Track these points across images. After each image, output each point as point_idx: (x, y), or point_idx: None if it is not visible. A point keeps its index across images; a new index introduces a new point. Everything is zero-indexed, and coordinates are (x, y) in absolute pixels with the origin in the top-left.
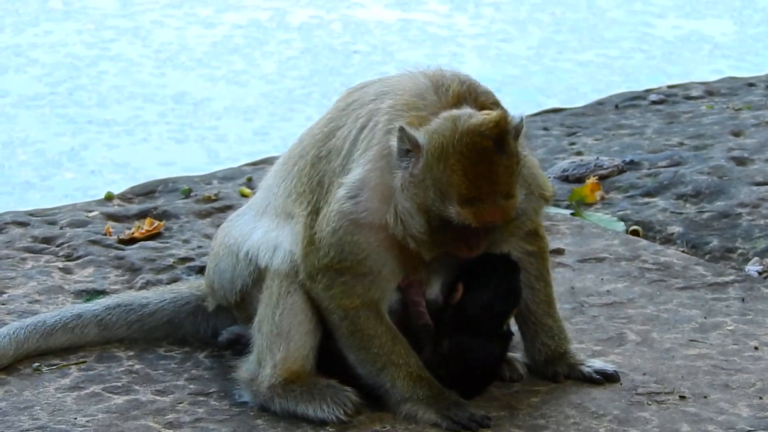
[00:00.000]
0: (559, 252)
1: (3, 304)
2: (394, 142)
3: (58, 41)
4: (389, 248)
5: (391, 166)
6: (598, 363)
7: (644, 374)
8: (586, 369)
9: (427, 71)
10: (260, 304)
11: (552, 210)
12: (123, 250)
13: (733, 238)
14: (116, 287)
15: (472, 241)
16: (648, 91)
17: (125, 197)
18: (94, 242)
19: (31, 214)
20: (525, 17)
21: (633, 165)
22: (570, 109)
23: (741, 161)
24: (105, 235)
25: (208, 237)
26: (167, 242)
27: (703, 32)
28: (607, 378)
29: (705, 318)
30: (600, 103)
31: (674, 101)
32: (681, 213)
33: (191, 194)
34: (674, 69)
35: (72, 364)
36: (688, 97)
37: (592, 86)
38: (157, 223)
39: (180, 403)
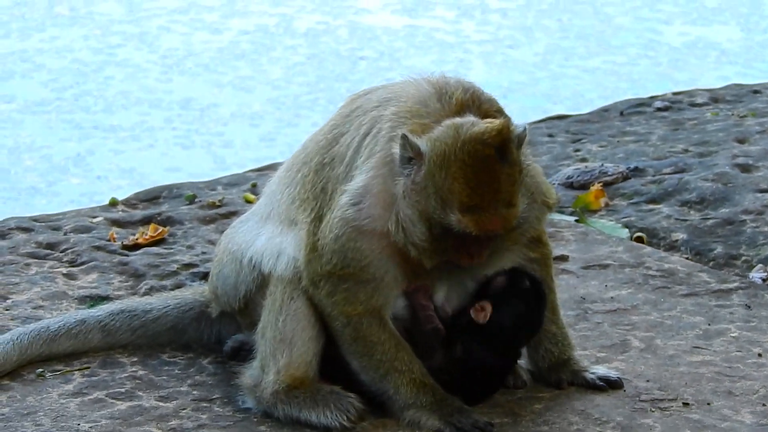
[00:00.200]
0: (563, 259)
1: (7, 310)
2: (396, 149)
3: (65, 47)
4: (392, 255)
5: (394, 173)
6: (601, 370)
7: (648, 381)
8: (589, 376)
9: (431, 78)
10: (263, 310)
11: (556, 217)
12: (127, 255)
13: (737, 245)
14: (120, 293)
15: (473, 250)
16: (653, 97)
17: (129, 203)
18: (98, 248)
19: (35, 219)
20: (532, 24)
21: (637, 172)
22: (575, 115)
23: (745, 168)
24: (109, 240)
25: (213, 243)
26: (171, 248)
27: (710, 39)
28: (611, 385)
29: (709, 325)
30: (605, 109)
31: (679, 108)
32: (685, 220)
33: (195, 200)
34: (681, 75)
35: (75, 370)
36: (693, 104)
37: (599, 93)
38: (161, 229)
39: (183, 409)
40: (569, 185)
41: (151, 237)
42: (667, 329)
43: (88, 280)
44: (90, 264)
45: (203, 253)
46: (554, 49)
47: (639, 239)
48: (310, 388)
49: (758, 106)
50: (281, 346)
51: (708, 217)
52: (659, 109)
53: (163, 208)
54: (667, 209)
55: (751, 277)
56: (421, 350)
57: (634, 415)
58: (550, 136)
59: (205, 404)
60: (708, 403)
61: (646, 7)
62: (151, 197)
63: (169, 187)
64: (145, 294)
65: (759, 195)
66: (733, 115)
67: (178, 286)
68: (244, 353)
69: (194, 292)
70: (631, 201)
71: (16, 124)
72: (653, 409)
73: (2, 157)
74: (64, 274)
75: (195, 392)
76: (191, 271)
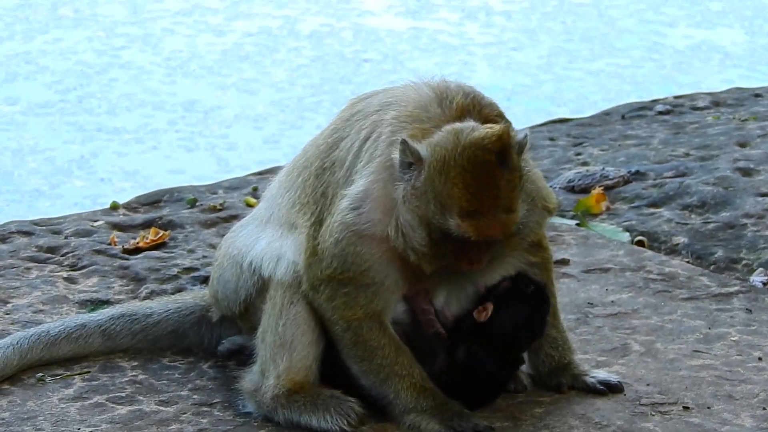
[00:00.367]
0: (564, 262)
1: (7, 314)
2: (396, 154)
3: (68, 48)
4: (392, 260)
5: (394, 178)
6: (602, 373)
7: (648, 385)
8: (590, 380)
9: (432, 82)
10: (263, 314)
11: (557, 220)
12: (128, 259)
13: (738, 249)
14: (120, 297)
15: (473, 255)
16: (654, 101)
17: (130, 207)
18: (98, 252)
19: (36, 223)
20: (536, 26)
21: (639, 175)
22: (576, 119)
23: (747, 172)
24: (110, 244)
25: (213, 247)
26: (172, 252)
27: (714, 42)
28: (611, 389)
29: (709, 329)
30: (606, 113)
31: (680, 112)
32: (686, 224)
33: (197, 204)
34: (685, 78)
35: (76, 374)
36: (695, 108)
37: (603, 95)
38: (162, 232)
39: (184, 413)
40: (570, 189)
41: (152, 241)
42: (668, 333)
43: (88, 284)
44: (90, 268)
45: (204, 256)
46: (558, 52)
47: (640, 243)
48: (311, 393)
49: (760, 109)
50: (281, 350)
51: (709, 220)
52: (660, 113)
53: (164, 211)
54: (668, 213)
55: (751, 281)
56: (422, 354)
57: (635, 419)
58: (552, 139)
59: (205, 408)
60: (708, 407)
61: (651, 9)
62: (153, 201)
63: (170, 191)
64: (145, 298)
65: (760, 199)
66: (734, 118)
67: (179, 290)
68: (243, 357)
69: (195, 296)
70: (632, 205)
71: (20, 126)
72: (653, 413)
73: (6, 159)
74: (64, 278)
75: (195, 396)
76: (192, 275)
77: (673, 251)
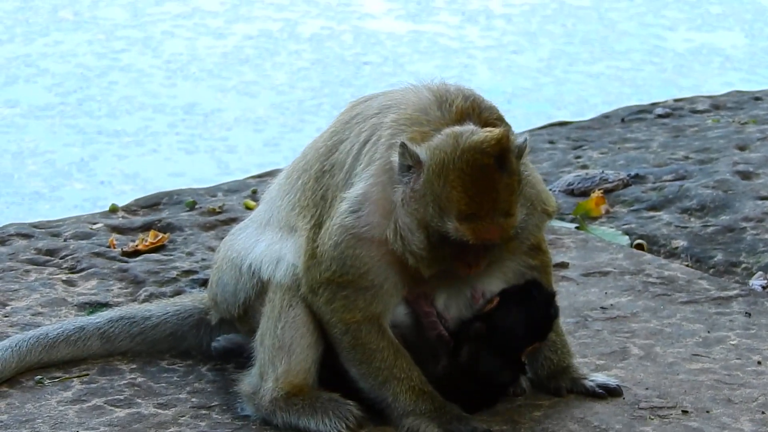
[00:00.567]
0: (563, 266)
1: (6, 317)
2: (396, 157)
3: (69, 51)
4: (391, 263)
5: (393, 181)
6: (600, 377)
7: (647, 389)
8: (588, 383)
9: (431, 85)
10: (262, 317)
11: (557, 223)
12: (127, 262)
13: (737, 253)
14: (119, 300)
15: (471, 259)
16: (654, 104)
17: (130, 209)
18: (97, 254)
19: (35, 226)
20: (536, 29)
21: (638, 179)
22: (576, 122)
23: (746, 175)
24: (109, 247)
25: (213, 250)
26: (171, 255)
27: (714, 45)
28: (610, 392)
29: (708, 332)
30: (606, 116)
31: (680, 115)
32: (686, 227)
33: (196, 207)
34: (685, 81)
35: (74, 377)
36: (694, 111)
37: (603, 98)
38: (161, 235)
39: (182, 416)
40: (570, 192)
41: (151, 243)
42: (667, 337)
43: (87, 287)
44: (89, 270)
45: (203, 259)
46: (558, 55)
47: (639, 246)
48: (309, 396)
49: (759, 113)
50: (280, 353)
51: (708, 224)
52: (660, 116)
53: (163, 214)
54: (668, 216)
55: (751, 284)
56: (422, 357)
57: (633, 423)
58: (551, 142)
59: (204, 411)
60: (707, 411)
61: (651, 12)
62: (152, 204)
63: (169, 194)
64: (144, 301)
65: (759, 202)
66: (733, 122)
67: (178, 293)
68: (235, 354)
69: (194, 299)
70: (632, 208)
71: (20, 129)
72: (652, 417)
73: (6, 161)
74: (63, 281)
75: (194, 399)
76: (191, 277)
77: (673, 255)
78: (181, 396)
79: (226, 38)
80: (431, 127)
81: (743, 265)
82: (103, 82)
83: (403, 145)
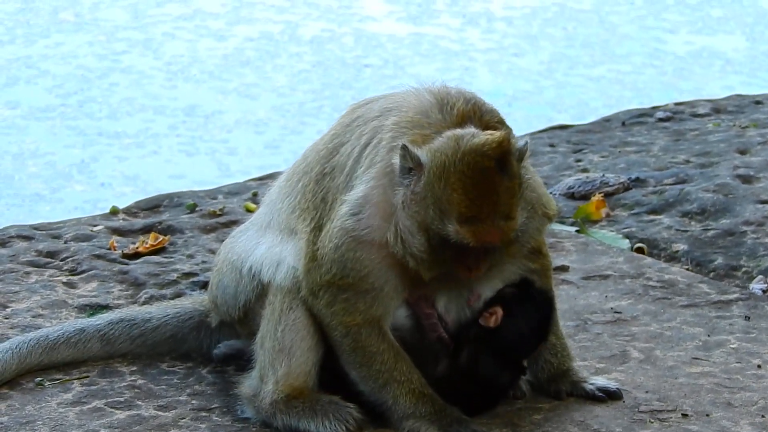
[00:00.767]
0: (563, 269)
1: (6, 318)
2: (397, 159)
3: (69, 53)
4: (392, 265)
5: (394, 183)
6: (600, 380)
7: (647, 392)
8: (588, 386)
9: (432, 88)
10: (263, 319)
11: (557, 227)
12: (127, 264)
13: (737, 256)
14: (120, 302)
15: (472, 261)
16: (655, 108)
17: (130, 212)
18: (98, 256)
19: (35, 227)
20: (537, 32)
21: (639, 182)
22: (576, 125)
23: (747, 179)
24: (109, 249)
25: (213, 252)
26: (171, 257)
27: (715, 48)
28: (610, 395)
29: (708, 336)
30: (606, 120)
31: (681, 119)
32: (686, 231)
33: (196, 209)
34: (686, 85)
35: (74, 379)
36: (695, 115)
37: (604, 101)
38: (161, 237)
39: (182, 418)
40: (570, 195)
41: (152, 246)
42: (667, 340)
43: (87, 289)
44: (90, 273)
45: (203, 262)
46: (559, 58)
47: (639, 250)
48: (309, 398)
49: (760, 117)
50: (280, 355)
51: (709, 228)
52: (661, 120)
53: (164, 216)
54: (668, 220)
55: (751, 288)
56: (423, 360)
57: (633, 426)
58: (552, 146)
59: (204, 414)
60: (707, 415)
61: (652, 16)
62: (152, 206)
63: (169, 196)
64: (144, 303)
65: (760, 206)
66: (734, 126)
67: (178, 296)
68: (236, 359)
69: (194, 301)
70: (632, 212)
71: (21, 131)
72: (652, 420)
73: (6, 163)
74: (63, 283)
75: (194, 402)
76: (191, 280)
77: (673, 258)
78: (181, 398)
79: (227, 40)
80: (432, 130)
81: (743, 269)
82: (103, 83)
83: (404, 148)
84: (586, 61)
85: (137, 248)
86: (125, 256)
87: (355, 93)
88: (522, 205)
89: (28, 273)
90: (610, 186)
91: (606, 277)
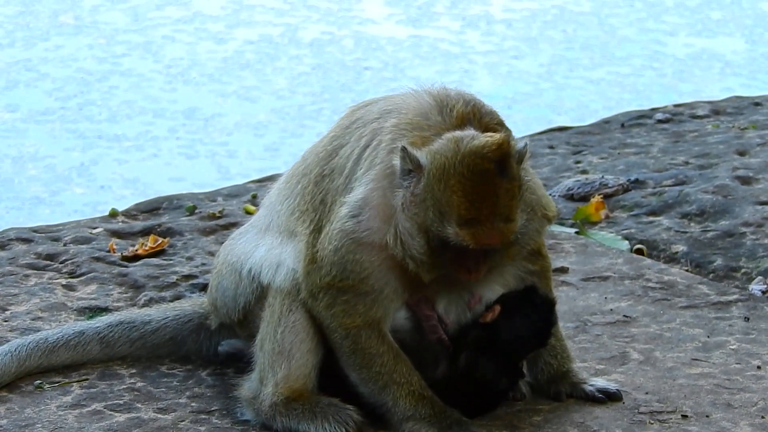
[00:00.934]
0: (563, 270)
1: (5, 321)
2: (396, 161)
3: (69, 56)
4: (391, 267)
5: (394, 185)
6: (600, 382)
7: (647, 393)
8: (588, 388)
9: (432, 90)
10: (262, 322)
11: (556, 228)
12: (126, 267)
13: (737, 258)
14: (119, 304)
15: (471, 264)
16: (654, 110)
17: (129, 214)
18: (97, 259)
19: (34, 230)
20: (536, 35)
21: (638, 184)
22: (576, 127)
23: (746, 180)
24: (109, 252)
25: (212, 254)
26: (171, 259)
27: (715, 50)
28: (610, 397)
29: (708, 337)
30: (606, 121)
31: (680, 120)
32: (685, 232)
33: (196, 211)
34: (685, 87)
35: (74, 382)
36: (694, 116)
37: (603, 104)
38: (160, 240)
39: (182, 421)
40: (570, 197)
41: (151, 248)
42: (667, 341)
43: (87, 292)
44: (89, 275)
45: (203, 264)
46: (559, 60)
47: (639, 251)
48: (309, 400)
49: (759, 118)
50: (280, 358)
51: (708, 229)
52: (660, 121)
53: (163, 219)
54: (667, 221)
55: (750, 289)
56: (422, 362)
57: (633, 428)
58: (551, 147)
59: (203, 416)
60: (707, 416)
61: (651, 18)
62: (151, 208)
63: (169, 198)
64: (144, 305)
65: (759, 207)
66: (733, 127)
67: (178, 298)
68: (241, 364)
69: (193, 303)
70: (632, 213)
71: (20, 134)
72: (652, 422)
73: (6, 166)
74: (63, 286)
75: (194, 404)
76: (191, 282)
77: (672, 259)
78: (180, 401)
79: (226, 43)
80: (432, 132)
81: (743, 270)
82: (103, 86)
83: (403, 150)
84: (586, 64)
85: (136, 251)
86: (124, 258)
87: (354, 96)
88: (522, 207)
89: (27, 276)
90: (610, 187)
91: (605, 278)
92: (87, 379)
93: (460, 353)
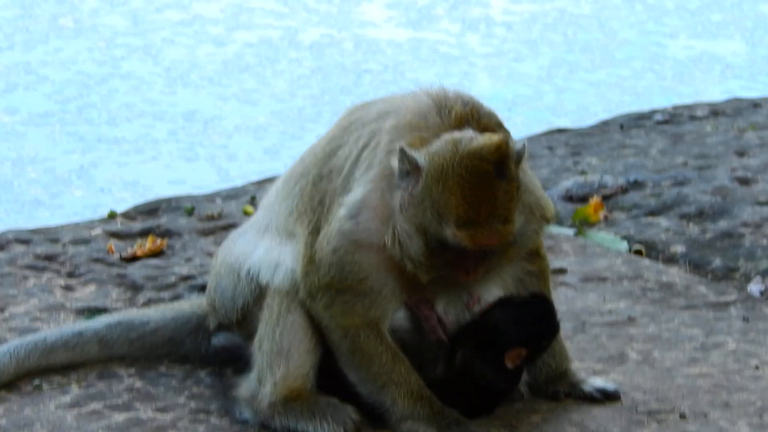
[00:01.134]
0: (561, 271)
1: (4, 321)
2: (395, 162)
3: (69, 59)
4: (390, 268)
5: (392, 186)
6: (598, 381)
7: (645, 393)
8: (587, 387)
9: (431, 91)
10: (260, 322)
11: (555, 229)
12: (125, 268)
13: (735, 258)
14: (118, 305)
15: (470, 265)
16: (653, 111)
17: (128, 215)
18: (96, 260)
19: (33, 231)
20: (537, 37)
21: (637, 185)
22: (575, 129)
23: (745, 181)
24: (107, 253)
25: (211, 255)
26: (169, 260)
27: (715, 52)
28: (608, 396)
29: (706, 337)
30: (605, 123)
31: (679, 121)
32: (684, 233)
33: (194, 212)
34: (685, 89)
35: (73, 382)
36: (693, 117)
37: (603, 106)
38: (159, 241)
39: (180, 420)
40: (568, 198)
41: (150, 249)
42: (665, 341)
43: (86, 292)
44: (88, 276)
45: (201, 265)
46: (559, 63)
47: (638, 252)
48: (308, 400)
49: (758, 119)
50: (278, 358)
51: (707, 230)
52: (659, 123)
53: (162, 220)
54: (666, 222)
55: (749, 289)
56: (421, 362)
57: (631, 427)
58: (550, 149)
59: (202, 416)
60: (705, 415)
61: (651, 20)
62: (150, 209)
63: (167, 200)
64: (142, 306)
65: (758, 208)
66: (733, 128)
67: (176, 298)
68: (233, 357)
69: (192, 304)
70: (630, 214)
71: (20, 137)
72: (650, 421)
73: (5, 169)
74: (62, 286)
75: (192, 404)
76: (189, 283)
77: (671, 260)
78: (179, 400)
79: (226, 46)
80: (430, 133)
81: (741, 271)
82: (103, 89)
83: (402, 150)
84: (586, 66)
85: (135, 252)
86: (123, 259)
87: (354, 98)
88: (520, 208)
89: (26, 276)
90: (608, 188)
91: (604, 279)
92: (85, 379)
93: (457, 352)
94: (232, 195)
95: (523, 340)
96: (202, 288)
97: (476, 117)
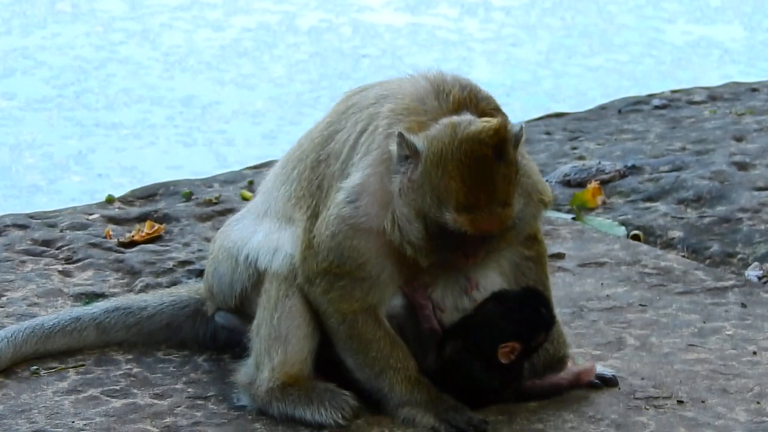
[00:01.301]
0: (559, 256)
1: (2, 307)
2: (393, 147)
3: (66, 43)
4: (388, 254)
5: (391, 171)
6: (597, 367)
7: (643, 379)
8: None
9: (428, 75)
10: (258, 307)
11: (553, 214)
12: (123, 253)
13: (733, 243)
14: (116, 290)
15: (469, 249)
16: (651, 96)
17: (126, 200)
18: (94, 245)
19: (31, 216)
20: (535, 22)
21: (634, 170)
22: (573, 113)
23: (742, 166)
24: (105, 238)
25: (209, 240)
26: (167, 245)
27: (713, 38)
28: (606, 382)
29: (704, 323)
30: (603, 107)
31: (677, 106)
32: (682, 218)
33: (192, 197)
34: (683, 74)
35: (70, 368)
36: (691, 102)
37: (601, 91)
38: (157, 226)
39: (178, 406)
40: (566, 183)
41: (148, 234)
42: (663, 327)
43: (83, 278)
44: (86, 261)
45: (199, 250)
46: (557, 48)
47: (635, 237)
48: (305, 386)
49: (756, 104)
50: (276, 343)
51: (705, 215)
52: (657, 107)
53: (160, 205)
54: (664, 207)
55: (746, 275)
56: (420, 348)
57: (629, 413)
58: (548, 134)
59: (200, 402)
60: (702, 401)
61: (650, 5)
62: (148, 194)
63: (165, 185)
64: (140, 291)
65: (755, 193)
66: (730, 113)
67: (174, 284)
68: (229, 335)
69: (190, 289)
70: (628, 199)
71: (18, 122)
72: (648, 407)
73: (3, 154)
74: (59, 272)
75: (190, 390)
76: (187, 268)
77: (669, 245)
78: (177, 386)
79: (224, 31)
80: (428, 117)
81: (739, 256)
82: (101, 74)
83: (400, 135)
84: (584, 51)
85: (133, 237)
86: (121, 244)
87: (352, 83)
88: (519, 191)
89: (23, 262)
90: (606, 173)
91: (602, 264)
92: (83, 365)
93: (448, 342)
94: (230, 180)
95: (516, 333)
96: (200, 273)
97: (474, 101)
